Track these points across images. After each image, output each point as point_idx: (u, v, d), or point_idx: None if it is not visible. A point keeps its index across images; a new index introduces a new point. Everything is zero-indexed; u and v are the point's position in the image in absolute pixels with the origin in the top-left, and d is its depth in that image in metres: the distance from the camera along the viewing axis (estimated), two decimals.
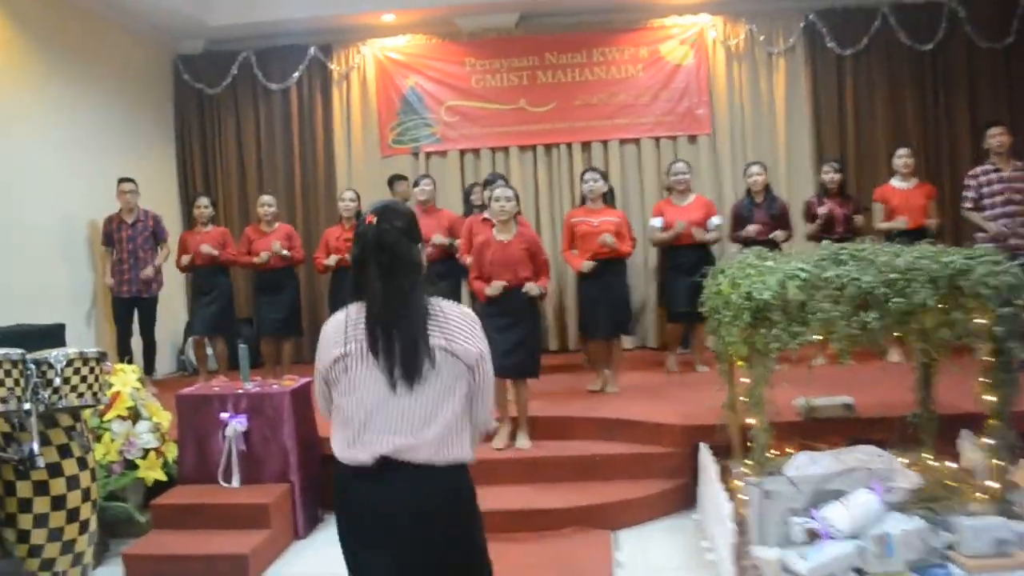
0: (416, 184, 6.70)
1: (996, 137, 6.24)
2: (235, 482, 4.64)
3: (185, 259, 6.98)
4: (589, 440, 5.12)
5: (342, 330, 2.27)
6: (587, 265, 5.84)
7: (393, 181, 7.64)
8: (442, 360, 2.22)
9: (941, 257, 3.60)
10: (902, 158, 6.56)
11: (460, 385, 2.27)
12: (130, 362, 6.72)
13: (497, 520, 4.33)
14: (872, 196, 6.77)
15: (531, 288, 5.09)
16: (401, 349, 2.19)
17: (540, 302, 5.40)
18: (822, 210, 6.51)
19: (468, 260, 5.89)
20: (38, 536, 3.15)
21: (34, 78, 6.61)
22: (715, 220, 6.57)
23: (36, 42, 6.62)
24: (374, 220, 2.27)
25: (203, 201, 7.12)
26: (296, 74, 8.58)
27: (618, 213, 6.17)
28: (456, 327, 2.27)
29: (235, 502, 4.47)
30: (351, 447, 2.23)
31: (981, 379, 3.68)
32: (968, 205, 6.33)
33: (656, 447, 4.90)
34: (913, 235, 6.03)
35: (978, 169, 6.35)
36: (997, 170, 6.24)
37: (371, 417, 2.22)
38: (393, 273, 2.23)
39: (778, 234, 6.42)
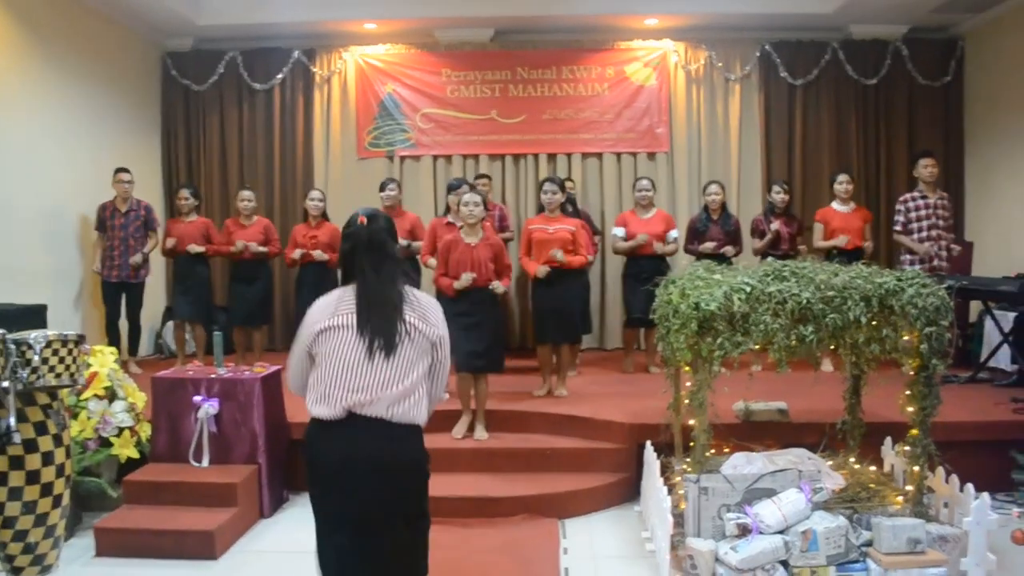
0: (383, 188, 6.66)
1: (926, 168, 6.39)
2: (205, 462, 4.59)
3: (170, 242, 6.91)
4: (542, 434, 5.15)
5: (331, 307, 2.54)
6: (542, 270, 5.68)
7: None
8: (414, 335, 2.53)
9: (875, 278, 3.68)
10: (843, 184, 6.65)
11: (424, 359, 2.57)
12: (117, 343, 6.66)
13: (453, 506, 4.36)
14: (814, 217, 6.85)
15: (496, 286, 5.11)
16: (383, 324, 2.49)
17: (505, 300, 5.38)
18: (773, 226, 6.61)
19: (430, 261, 5.88)
20: (12, 508, 3.10)
21: (26, 67, 6.46)
22: (673, 233, 6.61)
23: (29, 32, 6.48)
24: (365, 221, 2.60)
25: (184, 192, 7.05)
26: (280, 75, 8.51)
27: (575, 222, 5.96)
28: (425, 310, 2.60)
29: (204, 481, 4.42)
30: (321, 403, 2.47)
31: (906, 391, 3.77)
32: (898, 228, 6.48)
33: (605, 443, 4.94)
34: (850, 255, 6.17)
35: (907, 196, 6.50)
36: (924, 197, 6.39)
37: (344, 377, 2.46)
38: (380, 265, 2.55)
39: (728, 249, 6.50)
